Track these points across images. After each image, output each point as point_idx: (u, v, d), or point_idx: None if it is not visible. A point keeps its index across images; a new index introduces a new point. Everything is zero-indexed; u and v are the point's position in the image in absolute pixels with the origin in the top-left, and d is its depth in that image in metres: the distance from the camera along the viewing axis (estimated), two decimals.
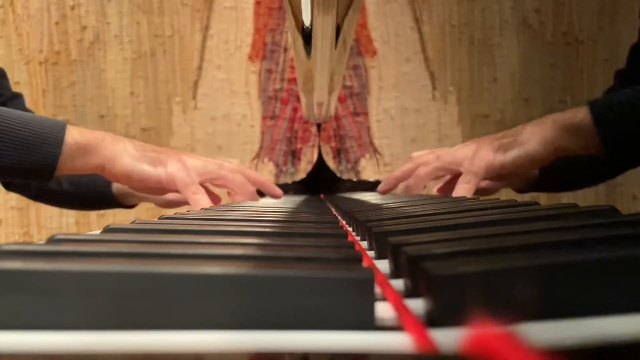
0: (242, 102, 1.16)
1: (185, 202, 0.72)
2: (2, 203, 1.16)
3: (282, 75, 1.16)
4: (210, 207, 0.59)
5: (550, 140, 0.62)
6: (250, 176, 0.72)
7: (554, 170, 0.70)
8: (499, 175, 0.67)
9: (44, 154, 0.57)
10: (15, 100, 0.90)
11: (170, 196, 0.76)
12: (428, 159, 0.71)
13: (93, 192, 0.72)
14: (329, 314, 0.15)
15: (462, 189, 0.66)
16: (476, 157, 0.66)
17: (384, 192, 0.78)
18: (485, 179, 0.67)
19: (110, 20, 1.16)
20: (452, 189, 0.70)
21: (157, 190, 0.69)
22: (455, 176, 0.69)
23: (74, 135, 0.59)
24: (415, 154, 0.77)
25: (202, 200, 0.65)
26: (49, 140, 0.57)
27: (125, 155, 0.62)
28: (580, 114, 0.60)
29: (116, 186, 0.82)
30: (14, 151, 0.56)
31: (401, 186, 0.77)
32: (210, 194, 0.68)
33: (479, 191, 0.74)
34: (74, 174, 0.65)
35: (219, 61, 1.17)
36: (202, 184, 0.67)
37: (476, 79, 1.17)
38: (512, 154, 0.64)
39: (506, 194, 1.05)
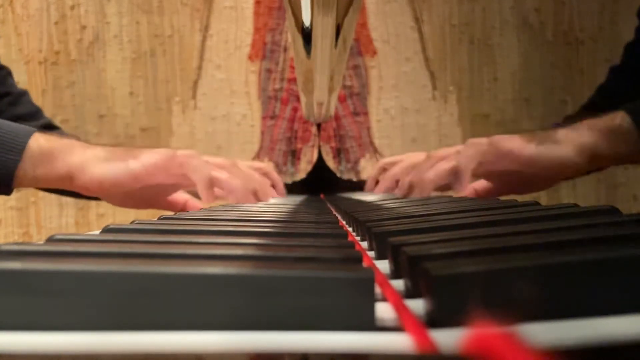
0: (242, 102, 1.16)
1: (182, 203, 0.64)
2: (2, 203, 1.16)
3: (282, 75, 1.16)
4: (210, 207, 0.58)
5: (588, 146, 0.55)
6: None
7: None
8: (519, 174, 0.58)
9: (1, 161, 0.51)
10: (22, 97, 0.86)
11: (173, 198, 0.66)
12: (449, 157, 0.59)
13: None
14: (329, 314, 0.15)
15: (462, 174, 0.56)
16: (501, 141, 0.56)
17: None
18: (504, 170, 0.57)
19: (109, 20, 1.16)
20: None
21: (134, 197, 0.60)
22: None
23: (39, 141, 0.53)
24: (388, 160, 0.73)
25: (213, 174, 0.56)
26: (8, 146, 0.51)
27: (93, 161, 0.54)
28: (618, 118, 0.54)
29: None
30: None
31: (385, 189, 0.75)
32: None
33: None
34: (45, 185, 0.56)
35: (219, 61, 1.16)
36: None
37: (476, 78, 1.17)
38: (543, 149, 0.55)
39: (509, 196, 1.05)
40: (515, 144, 0.56)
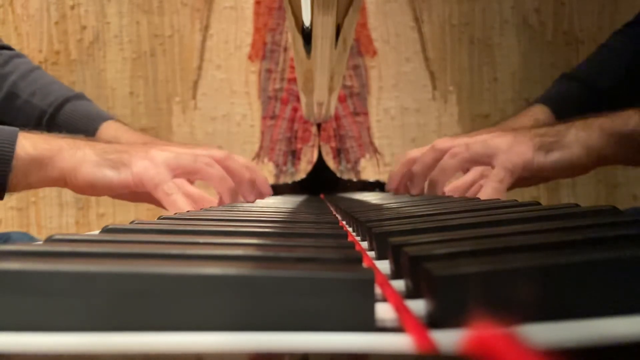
0: (242, 102, 1.16)
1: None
2: (2, 203, 1.16)
3: (282, 75, 1.16)
4: (210, 207, 0.58)
5: (596, 149, 0.55)
6: (233, 168, 0.61)
7: None
8: (528, 178, 0.60)
9: None
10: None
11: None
12: (454, 149, 0.60)
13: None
14: (329, 314, 0.15)
15: (493, 189, 0.57)
16: (513, 152, 0.57)
17: (396, 189, 0.72)
18: (518, 178, 0.58)
19: (110, 20, 1.16)
20: (471, 188, 0.63)
21: (129, 196, 0.62)
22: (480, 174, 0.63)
23: (26, 148, 0.53)
24: (412, 152, 0.70)
25: (178, 202, 0.56)
26: None
27: (85, 164, 0.55)
28: (632, 122, 0.54)
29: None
30: None
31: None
32: (190, 195, 0.62)
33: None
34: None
35: (219, 61, 1.16)
36: (184, 179, 0.61)
37: (476, 78, 1.17)
38: (553, 157, 0.56)
39: (507, 194, 1.05)
40: (525, 156, 0.57)
